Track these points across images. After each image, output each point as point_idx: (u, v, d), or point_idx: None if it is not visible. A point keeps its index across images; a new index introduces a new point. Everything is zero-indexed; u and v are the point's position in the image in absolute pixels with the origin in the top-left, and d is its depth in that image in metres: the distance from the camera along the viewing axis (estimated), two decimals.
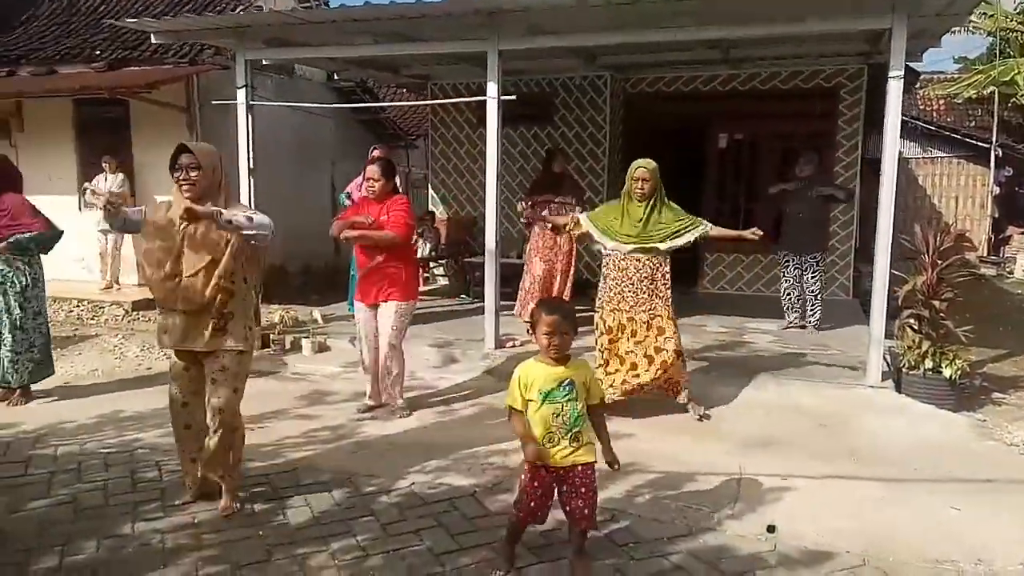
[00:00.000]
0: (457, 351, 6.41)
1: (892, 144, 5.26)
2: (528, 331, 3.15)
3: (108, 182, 9.04)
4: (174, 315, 3.44)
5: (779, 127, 9.44)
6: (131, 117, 9.60)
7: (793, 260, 7.22)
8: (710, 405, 5.15)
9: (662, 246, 4.84)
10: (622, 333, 4.91)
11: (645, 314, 4.86)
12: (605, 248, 4.97)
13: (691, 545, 3.28)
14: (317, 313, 7.24)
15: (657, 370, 4.86)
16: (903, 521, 3.56)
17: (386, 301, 4.94)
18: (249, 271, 3.52)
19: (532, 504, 2.98)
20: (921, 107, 18.95)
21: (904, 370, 5.24)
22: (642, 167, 4.80)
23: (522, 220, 7.83)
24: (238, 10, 9.72)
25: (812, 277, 7.20)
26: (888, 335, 5.51)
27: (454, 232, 10.08)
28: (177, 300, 3.38)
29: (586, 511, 2.94)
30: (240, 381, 3.54)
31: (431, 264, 10.29)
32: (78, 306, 8.53)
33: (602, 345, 4.97)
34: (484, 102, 6.44)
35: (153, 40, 7.33)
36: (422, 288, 9.74)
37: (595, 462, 2.99)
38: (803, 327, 7.21)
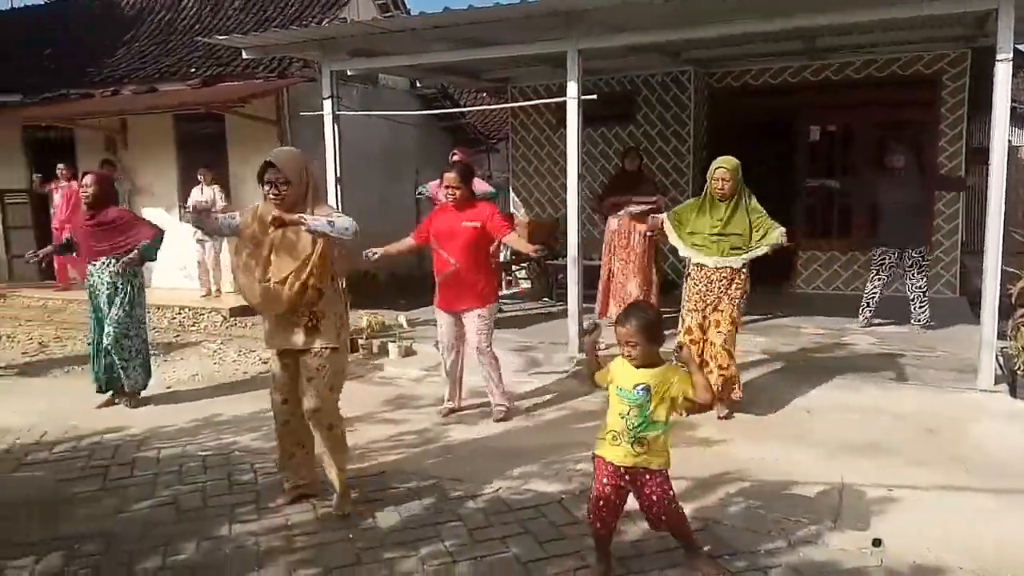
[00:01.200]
0: (540, 354, 6.37)
1: (1001, 132, 4.91)
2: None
3: (204, 194, 9.44)
4: (272, 317, 3.58)
5: (875, 117, 9.03)
6: (227, 131, 10.00)
7: (890, 256, 6.85)
8: (806, 410, 4.95)
9: (737, 263, 4.75)
10: (703, 333, 4.86)
11: (717, 313, 4.83)
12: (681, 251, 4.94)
13: (791, 559, 3.14)
14: (403, 318, 7.33)
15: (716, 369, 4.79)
16: (1021, 536, 3.30)
17: (469, 309, 4.94)
18: (337, 272, 3.61)
19: (600, 503, 2.92)
20: None
21: (1019, 373, 4.88)
22: (722, 166, 4.70)
23: (599, 211, 7.75)
24: (323, 23, 9.98)
25: (917, 273, 6.82)
26: (1001, 336, 5.16)
27: (536, 235, 10.02)
28: (269, 303, 3.50)
29: (662, 516, 2.91)
30: (335, 379, 3.61)
31: (513, 267, 10.31)
32: (179, 313, 8.92)
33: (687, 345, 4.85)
34: (564, 103, 6.38)
35: (244, 56, 7.62)
36: (505, 292, 9.82)
37: (662, 469, 2.92)
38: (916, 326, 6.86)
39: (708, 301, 4.83)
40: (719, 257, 4.77)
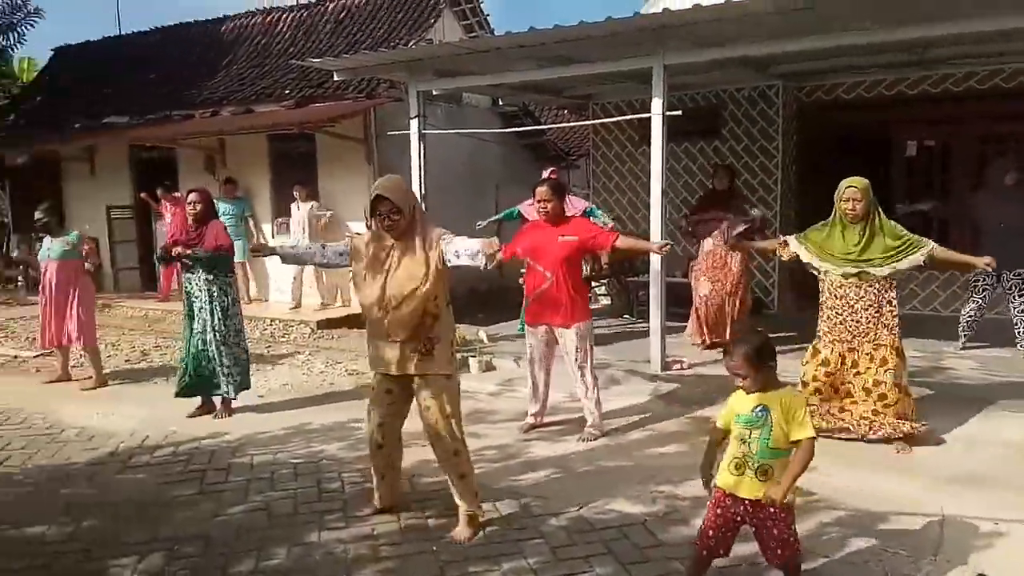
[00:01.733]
0: (619, 373, 6.31)
1: None
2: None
3: (301, 210, 9.79)
4: (384, 342, 3.54)
5: (976, 131, 8.62)
6: (317, 149, 10.36)
7: (988, 277, 6.49)
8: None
9: (880, 271, 4.44)
10: (841, 365, 4.57)
11: (869, 344, 4.49)
12: (819, 272, 4.65)
13: None
14: (483, 333, 7.41)
15: (875, 403, 4.51)
16: None
17: (565, 325, 4.91)
18: (447, 292, 3.60)
19: (709, 532, 2.86)
20: None
21: None
22: (852, 186, 4.44)
23: (687, 230, 7.62)
24: (410, 44, 10.24)
25: (1018, 296, 6.45)
26: None
27: (617, 253, 9.97)
28: (387, 329, 3.47)
29: (779, 550, 2.79)
30: (452, 405, 3.58)
31: (592, 284, 10.26)
32: (271, 325, 9.26)
33: (815, 376, 4.64)
34: (648, 119, 6.34)
35: (336, 77, 7.89)
36: None
37: (788, 503, 2.78)
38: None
39: (854, 331, 4.51)
40: (859, 269, 4.44)
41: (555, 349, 5.08)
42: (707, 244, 7.21)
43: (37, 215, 6.83)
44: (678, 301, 8.37)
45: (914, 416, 4.59)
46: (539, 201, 4.96)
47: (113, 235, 12.25)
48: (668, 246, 4.95)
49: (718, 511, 2.85)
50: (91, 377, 6.79)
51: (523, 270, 5.29)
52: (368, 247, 3.55)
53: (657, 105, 6.17)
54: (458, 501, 3.62)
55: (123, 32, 16.09)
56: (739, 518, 2.83)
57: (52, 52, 16.33)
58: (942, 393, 5.41)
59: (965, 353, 6.61)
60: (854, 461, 4.43)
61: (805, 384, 4.66)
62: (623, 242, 4.97)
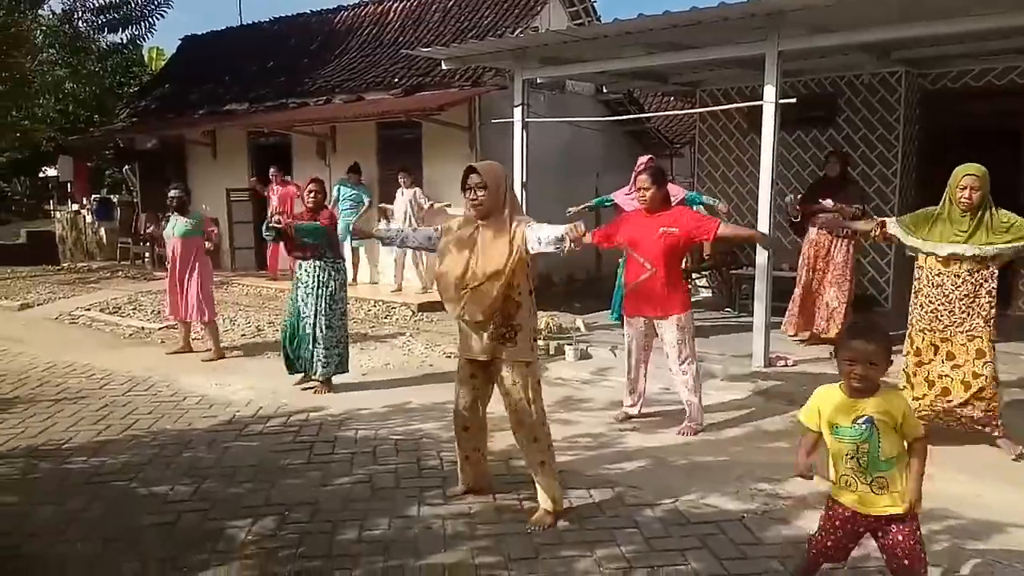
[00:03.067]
0: (719, 367, 6.19)
1: None
2: (831, 355, 2.80)
3: (404, 196, 10.06)
4: (467, 326, 3.60)
5: None
6: (423, 137, 10.60)
7: None
8: (1020, 448, 4.44)
9: (985, 251, 4.19)
10: (935, 355, 4.38)
11: (963, 335, 4.30)
12: (918, 252, 4.45)
13: None
14: (580, 321, 7.42)
15: (973, 398, 4.30)
16: None
17: (664, 316, 4.86)
18: (531, 281, 3.64)
19: (827, 542, 2.75)
20: None
21: None
22: (971, 173, 4.20)
23: (793, 218, 7.34)
24: (516, 32, 10.31)
25: None
26: None
27: (719, 242, 9.76)
28: (465, 312, 3.53)
29: (906, 561, 2.61)
30: (532, 391, 3.61)
31: (694, 276, 10.08)
32: (375, 306, 9.58)
33: (908, 366, 4.49)
34: (758, 107, 6.16)
35: (443, 66, 8.03)
36: None
37: (913, 514, 2.63)
38: None
39: (948, 321, 4.32)
40: (963, 250, 4.22)
41: (653, 341, 5.04)
42: (811, 232, 6.97)
43: (172, 192, 7.29)
44: (783, 296, 8.13)
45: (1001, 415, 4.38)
46: (639, 189, 4.91)
47: (232, 216, 12.92)
48: (767, 236, 4.79)
49: (837, 523, 2.71)
50: (210, 349, 7.23)
51: (621, 260, 5.25)
52: (457, 226, 3.65)
53: (770, 93, 5.98)
54: (538, 487, 3.64)
55: (244, 22, 16.90)
56: (861, 529, 2.70)
57: (179, 41, 17.39)
58: None
59: None
60: (968, 468, 4.20)
61: (908, 376, 4.48)
62: (725, 229, 4.89)
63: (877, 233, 4.71)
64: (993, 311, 4.29)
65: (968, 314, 4.28)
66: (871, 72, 8.68)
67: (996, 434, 4.39)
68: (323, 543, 3.41)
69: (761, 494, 3.89)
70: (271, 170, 11.38)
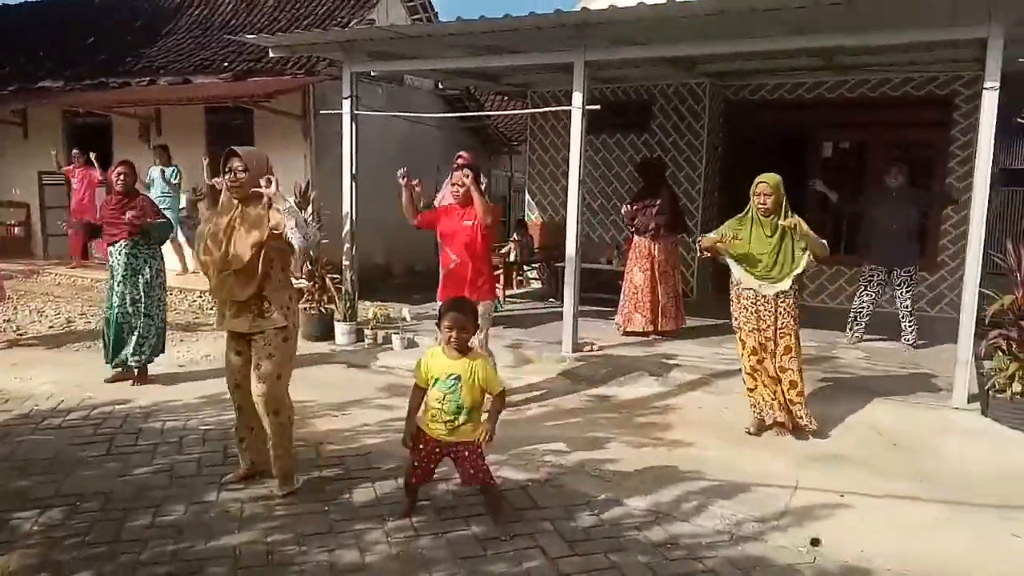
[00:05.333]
0: (533, 352, 6.60)
1: (985, 159, 5.06)
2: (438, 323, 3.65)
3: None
4: (222, 300, 3.76)
5: (888, 136, 9.12)
6: (254, 124, 10.37)
7: (880, 274, 7.01)
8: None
9: (784, 285, 4.71)
10: (765, 352, 4.80)
11: (776, 333, 4.77)
12: (739, 282, 4.86)
13: (729, 552, 3.34)
14: (406, 311, 7.62)
15: (788, 389, 4.81)
16: (958, 544, 3.48)
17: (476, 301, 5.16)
18: (284, 262, 3.79)
19: (415, 466, 3.58)
20: None
21: (991, 393, 5.01)
22: (763, 182, 4.67)
23: (628, 226, 7.86)
24: (351, 23, 10.32)
25: (904, 292, 6.95)
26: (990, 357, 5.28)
27: (548, 236, 10.30)
28: (226, 291, 3.69)
29: (472, 472, 3.53)
30: (282, 367, 3.77)
31: (524, 268, 10.56)
32: (200, 296, 9.29)
33: (750, 367, 4.88)
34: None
35: (271, 54, 7.96)
36: (515, 291, 10.07)
37: (474, 441, 3.50)
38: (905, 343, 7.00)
39: (768, 321, 4.75)
40: (771, 284, 4.71)
41: None
42: (636, 235, 7.49)
43: None
44: (600, 287, 8.73)
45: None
46: (454, 184, 5.21)
47: (44, 201, 12.07)
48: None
49: (419, 448, 3.54)
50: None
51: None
52: (219, 211, 3.78)
53: (577, 99, 6.43)
54: (273, 460, 3.82)
55: None
56: (439, 451, 3.55)
57: None
58: (826, 380, 5.82)
59: (856, 344, 7.07)
60: (733, 439, 4.81)
61: (751, 376, 4.90)
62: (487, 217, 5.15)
63: (699, 255, 5.13)
64: (796, 310, 4.79)
65: (782, 313, 4.75)
66: (681, 83, 9.46)
67: (804, 422, 4.81)
68: (112, 529, 3.42)
69: (547, 464, 4.27)
70: (73, 151, 10.75)
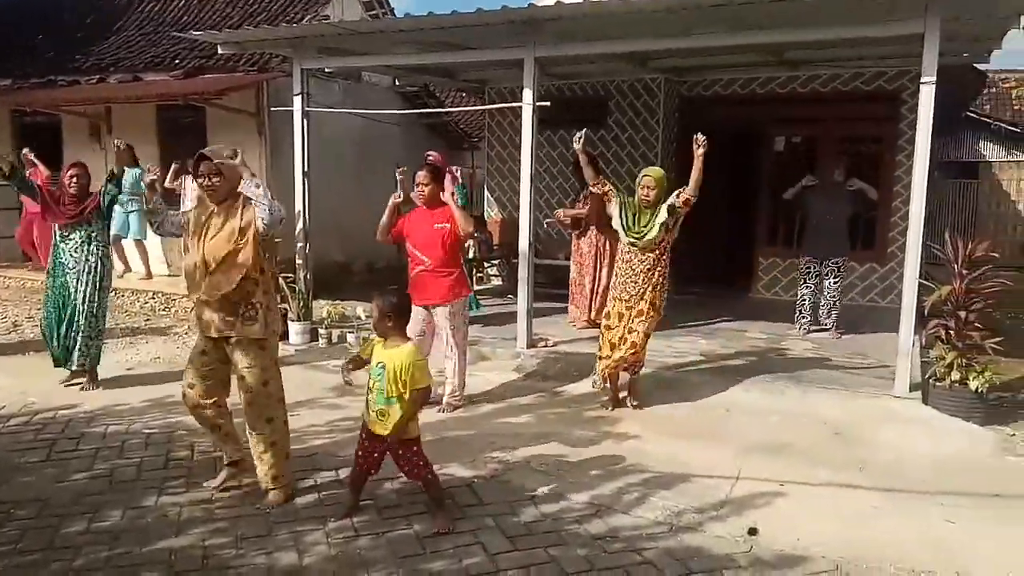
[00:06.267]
0: (488, 349, 6.61)
1: (923, 152, 5.16)
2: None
3: (195, 182, 9.64)
4: (203, 305, 3.68)
5: (838, 130, 9.25)
6: (207, 122, 10.21)
7: (815, 265, 7.19)
8: (725, 409, 5.20)
9: (652, 233, 4.95)
10: (619, 321, 5.11)
11: (640, 301, 5.04)
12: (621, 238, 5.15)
13: (668, 543, 3.38)
14: (360, 309, 7.57)
15: (628, 349, 5.07)
16: (892, 531, 3.56)
17: (443, 303, 5.18)
18: (267, 262, 3.76)
19: (358, 455, 3.63)
20: (1016, 107, 17.97)
21: (932, 382, 5.13)
22: (647, 175, 4.99)
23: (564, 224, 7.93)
24: (305, 19, 10.21)
25: (833, 282, 7.14)
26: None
27: (507, 233, 10.29)
28: (204, 293, 3.63)
29: (407, 469, 3.58)
30: (267, 372, 3.72)
31: (484, 264, 10.55)
32: (152, 298, 9.14)
33: (601, 332, 5.22)
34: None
35: (220, 51, 7.85)
36: (476, 288, 10.05)
37: (399, 436, 3.48)
38: (828, 331, 7.18)
39: (633, 291, 5.05)
40: (640, 242, 4.99)
41: (432, 327, 5.31)
42: (591, 231, 7.51)
43: None
44: (557, 283, 8.76)
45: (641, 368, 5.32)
46: (417, 185, 5.19)
47: None
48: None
49: (364, 437, 3.62)
50: None
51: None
52: (195, 215, 3.73)
53: (528, 96, 6.44)
54: (262, 467, 3.76)
55: None
56: (372, 443, 3.57)
57: None
58: (772, 370, 5.91)
59: (804, 336, 7.19)
60: (674, 430, 4.87)
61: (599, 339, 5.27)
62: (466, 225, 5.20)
63: (602, 191, 5.27)
64: (664, 280, 5.09)
65: (645, 283, 5.03)
66: (636, 78, 9.52)
67: (632, 376, 5.27)
68: (46, 536, 3.36)
69: (494, 461, 4.29)
70: (24, 150, 10.47)
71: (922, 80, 5.13)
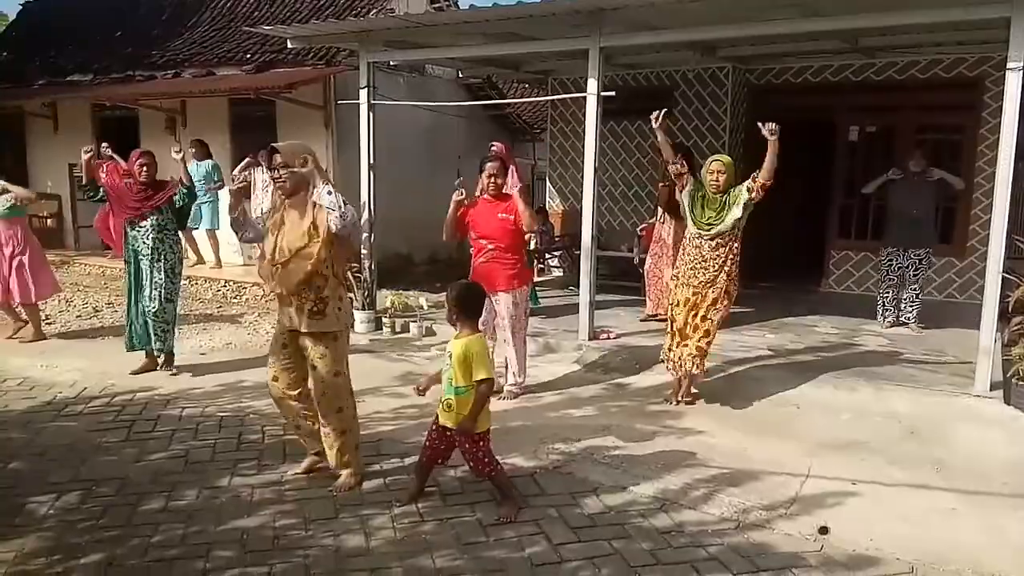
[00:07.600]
0: (552, 340, 6.60)
1: (1008, 143, 4.92)
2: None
3: (265, 174, 9.91)
4: (280, 297, 3.77)
5: (916, 119, 8.90)
6: (277, 115, 10.45)
7: (897, 258, 6.96)
8: (795, 405, 5.08)
9: (724, 226, 4.90)
10: (687, 307, 5.04)
11: (712, 289, 4.96)
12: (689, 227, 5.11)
13: (735, 539, 3.32)
14: (423, 299, 7.65)
15: (700, 337, 5.00)
16: (968, 534, 3.42)
17: (505, 291, 5.23)
18: (338, 259, 3.80)
19: (426, 445, 3.69)
20: None
21: (1014, 381, 4.90)
22: (717, 159, 4.95)
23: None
24: (371, 14, 10.33)
25: (914, 274, 6.88)
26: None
27: (569, 224, 10.25)
28: (277, 286, 3.71)
29: (472, 464, 3.61)
30: (338, 363, 3.77)
31: (545, 256, 10.53)
32: (224, 286, 9.43)
33: (670, 318, 5.18)
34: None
35: (289, 45, 8.01)
36: (537, 279, 10.05)
37: (465, 429, 3.49)
38: (907, 326, 6.93)
39: (704, 278, 4.96)
40: (713, 232, 4.93)
41: (495, 316, 5.35)
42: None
43: None
44: (624, 275, 8.69)
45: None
46: (488, 176, 5.23)
47: (75, 193, 12.28)
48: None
49: (430, 430, 3.68)
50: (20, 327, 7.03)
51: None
52: (271, 208, 3.82)
53: (592, 86, 6.38)
54: (331, 453, 3.82)
55: None
56: (439, 434, 3.62)
57: (20, 6, 16.20)
58: (844, 366, 5.72)
59: (882, 330, 6.96)
60: (741, 425, 4.78)
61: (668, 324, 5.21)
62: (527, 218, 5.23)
63: (677, 173, 5.20)
64: (736, 268, 4.98)
65: (718, 270, 4.94)
66: (703, 67, 9.34)
67: (696, 371, 5.10)
68: (126, 514, 3.50)
69: (556, 452, 4.27)
70: (103, 145, 10.91)
71: (1008, 66, 4.88)
